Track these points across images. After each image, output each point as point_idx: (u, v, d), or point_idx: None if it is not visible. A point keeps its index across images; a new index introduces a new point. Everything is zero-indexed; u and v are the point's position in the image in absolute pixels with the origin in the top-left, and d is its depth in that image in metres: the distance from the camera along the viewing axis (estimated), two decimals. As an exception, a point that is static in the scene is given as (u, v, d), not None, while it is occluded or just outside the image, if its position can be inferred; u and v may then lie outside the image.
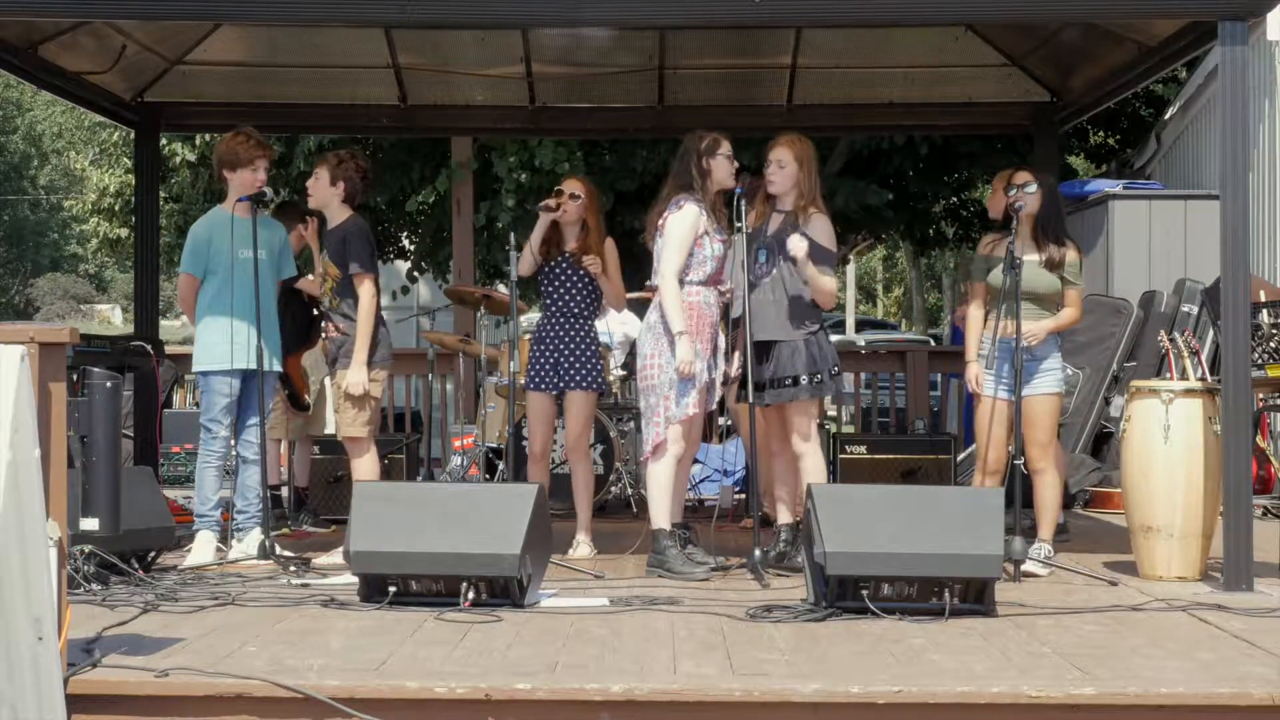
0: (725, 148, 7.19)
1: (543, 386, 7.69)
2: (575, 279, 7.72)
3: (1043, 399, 7.05)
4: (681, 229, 7.02)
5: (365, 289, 7.34)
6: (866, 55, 9.82)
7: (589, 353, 7.73)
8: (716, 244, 7.09)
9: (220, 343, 7.28)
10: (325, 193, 7.51)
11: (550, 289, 7.76)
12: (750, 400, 7.06)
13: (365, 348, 7.33)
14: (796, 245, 6.92)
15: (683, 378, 6.93)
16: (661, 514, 7.02)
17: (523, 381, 7.75)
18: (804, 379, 7.00)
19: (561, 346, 7.70)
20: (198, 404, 13.11)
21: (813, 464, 7.08)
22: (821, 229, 7.11)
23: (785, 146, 7.18)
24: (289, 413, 8.70)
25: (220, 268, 7.34)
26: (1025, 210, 7.09)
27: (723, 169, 7.16)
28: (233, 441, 7.36)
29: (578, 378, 7.66)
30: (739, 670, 4.78)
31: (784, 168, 7.15)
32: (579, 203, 7.68)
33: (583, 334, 7.74)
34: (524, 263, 7.59)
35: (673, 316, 6.95)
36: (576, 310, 7.74)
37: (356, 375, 7.30)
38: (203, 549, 7.26)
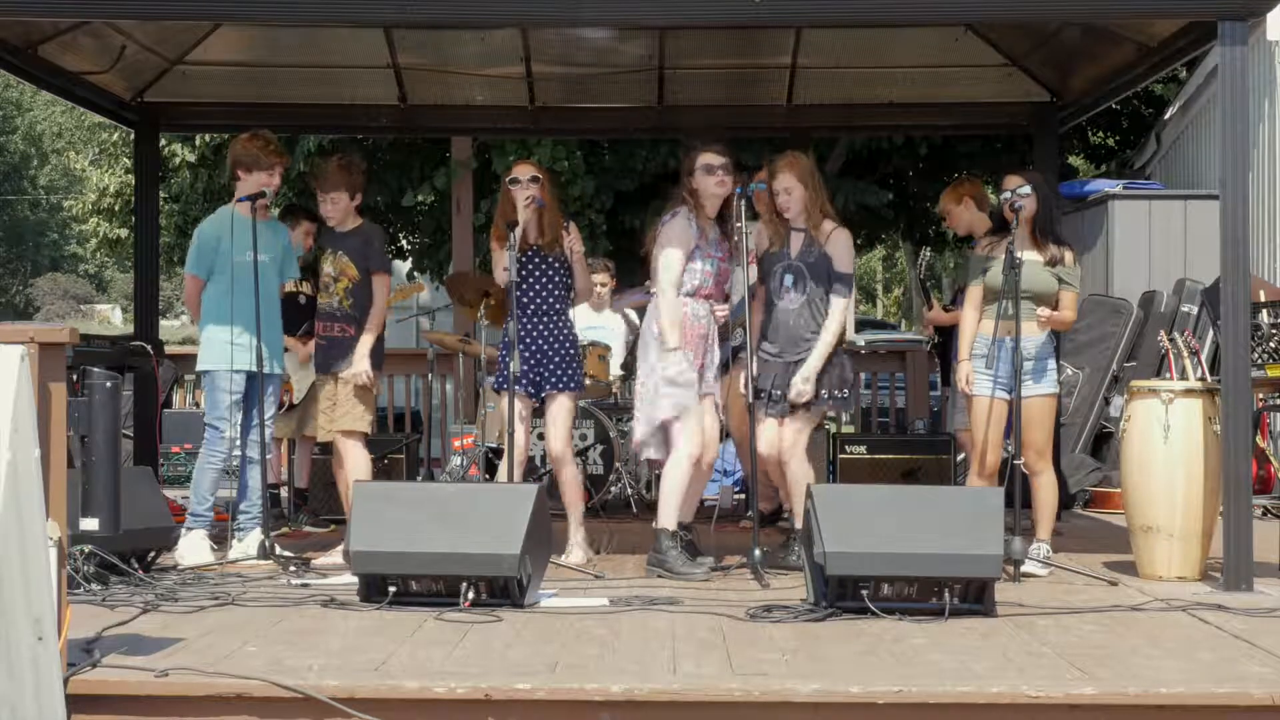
0: (702, 160, 7.14)
1: (520, 388, 7.29)
2: (545, 272, 7.42)
3: (1037, 400, 7.02)
4: (669, 239, 7.08)
5: (385, 289, 7.54)
6: (866, 55, 9.82)
7: (566, 351, 7.43)
8: (706, 259, 7.11)
9: (225, 342, 7.30)
10: (347, 208, 7.60)
11: (521, 286, 7.38)
12: (762, 408, 7.14)
13: (371, 341, 7.44)
14: (800, 392, 7.05)
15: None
16: (667, 513, 7.01)
17: (491, 380, 7.54)
18: (836, 393, 7.16)
19: (539, 346, 7.39)
20: (199, 404, 13.12)
21: (799, 468, 7.11)
22: (842, 246, 7.19)
23: (787, 171, 7.18)
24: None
25: (226, 268, 7.36)
26: (1024, 213, 7.09)
27: (702, 183, 7.14)
28: (237, 441, 7.37)
29: (557, 379, 7.38)
30: (739, 670, 4.78)
31: (791, 193, 7.18)
32: (539, 184, 7.38)
33: (559, 331, 7.44)
34: (499, 274, 7.34)
35: (666, 330, 7.00)
36: (548, 307, 7.43)
37: (362, 365, 7.39)
38: (200, 549, 7.26)
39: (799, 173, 7.17)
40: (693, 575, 6.81)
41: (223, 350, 7.31)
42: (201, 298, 7.43)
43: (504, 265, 7.20)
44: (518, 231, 7.23)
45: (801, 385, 7.06)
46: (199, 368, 7.46)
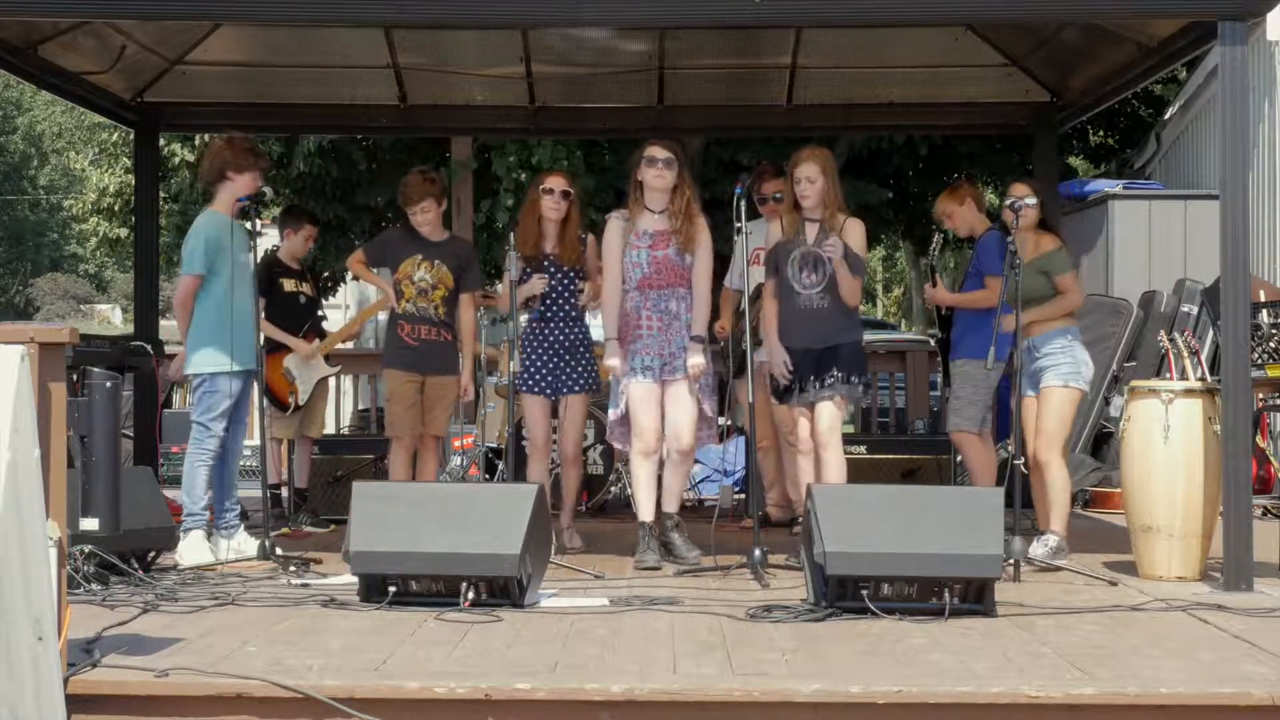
0: (648, 152, 7.36)
1: (540, 390, 7.76)
2: (561, 280, 7.78)
3: (1048, 392, 7.19)
4: (606, 245, 7.44)
5: (474, 307, 8.14)
6: (866, 55, 9.82)
7: (582, 354, 7.82)
8: (633, 250, 7.35)
9: (227, 344, 7.33)
10: (437, 216, 8.06)
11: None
12: (786, 401, 7.32)
13: (473, 360, 8.12)
14: (834, 247, 7.08)
15: (616, 375, 7.38)
16: (637, 507, 7.39)
17: (516, 384, 7.76)
18: (855, 378, 7.21)
19: (557, 350, 7.76)
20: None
21: (837, 457, 7.19)
22: (857, 235, 7.26)
23: (811, 161, 7.24)
24: (274, 412, 8.73)
25: (224, 270, 7.39)
26: (1025, 222, 7.25)
27: (645, 174, 7.38)
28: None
29: (573, 382, 7.77)
30: (739, 670, 4.78)
31: (814, 183, 7.22)
32: (569, 199, 7.78)
33: (575, 336, 7.83)
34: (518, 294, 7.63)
35: (607, 323, 7.39)
36: (564, 313, 7.80)
37: (471, 382, 8.09)
38: (200, 549, 7.26)
39: (821, 163, 7.25)
40: (644, 562, 7.12)
41: (225, 353, 7.33)
42: (196, 300, 7.43)
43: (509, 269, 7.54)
44: (515, 237, 7.61)
45: (838, 254, 7.08)
46: (200, 370, 7.38)
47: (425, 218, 7.98)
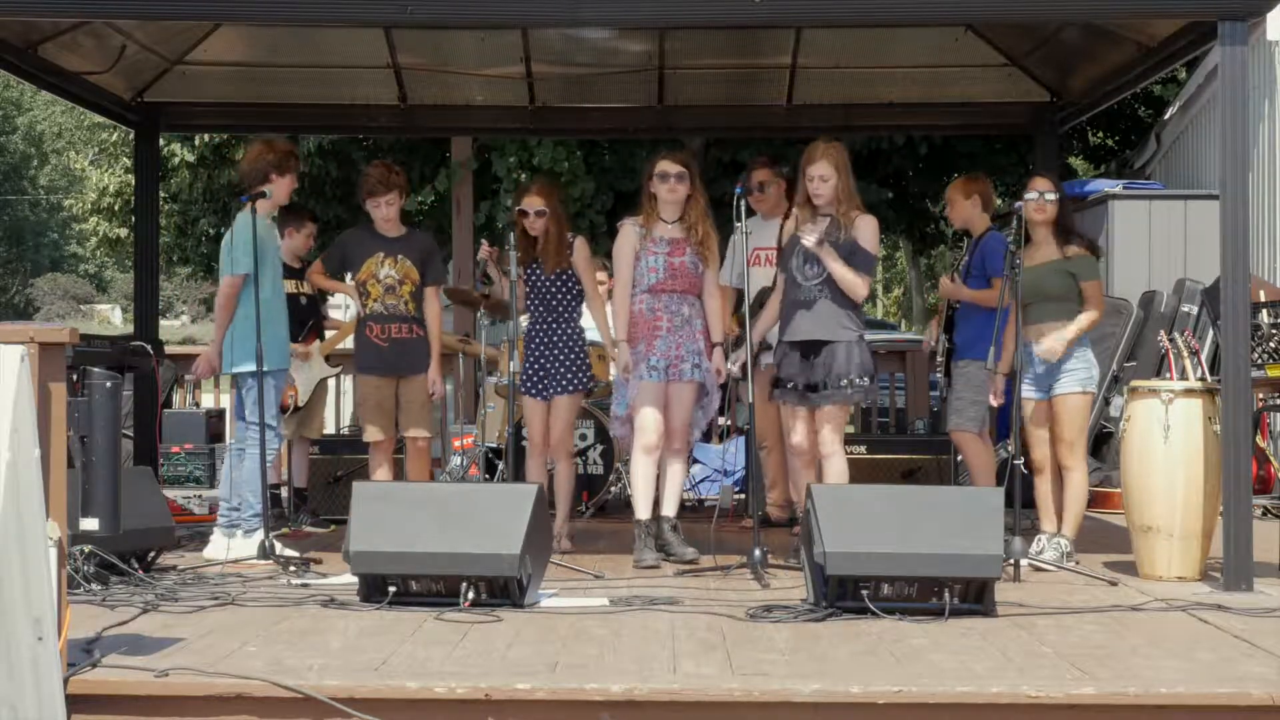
0: (659, 167, 7.49)
1: (532, 392, 7.88)
2: (552, 282, 7.88)
3: (1064, 399, 7.19)
4: (618, 251, 7.55)
5: (439, 300, 7.99)
6: (866, 55, 9.82)
7: (572, 354, 7.89)
8: (651, 256, 7.44)
9: (281, 340, 7.49)
10: (400, 210, 7.96)
11: (531, 294, 7.92)
12: (782, 398, 7.31)
13: (440, 352, 7.96)
14: (810, 232, 7.06)
15: (623, 378, 7.49)
16: (635, 505, 7.44)
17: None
18: (857, 380, 7.09)
19: (546, 351, 7.87)
20: (199, 404, 13.11)
21: (840, 465, 7.15)
22: (868, 232, 7.19)
23: (825, 159, 7.17)
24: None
25: (268, 268, 7.49)
26: (1044, 217, 7.27)
27: (658, 189, 7.49)
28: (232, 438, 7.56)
29: (561, 382, 7.84)
30: (739, 670, 4.79)
31: (828, 180, 7.17)
32: (545, 217, 7.82)
33: (565, 336, 7.89)
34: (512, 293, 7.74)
35: (618, 325, 7.51)
36: (556, 313, 7.90)
37: (439, 377, 7.91)
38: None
39: (835, 160, 7.18)
40: (641, 562, 7.16)
41: (283, 350, 7.48)
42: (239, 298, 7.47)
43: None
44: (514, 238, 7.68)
45: (812, 240, 7.03)
46: (258, 368, 7.28)
47: (389, 211, 7.86)
